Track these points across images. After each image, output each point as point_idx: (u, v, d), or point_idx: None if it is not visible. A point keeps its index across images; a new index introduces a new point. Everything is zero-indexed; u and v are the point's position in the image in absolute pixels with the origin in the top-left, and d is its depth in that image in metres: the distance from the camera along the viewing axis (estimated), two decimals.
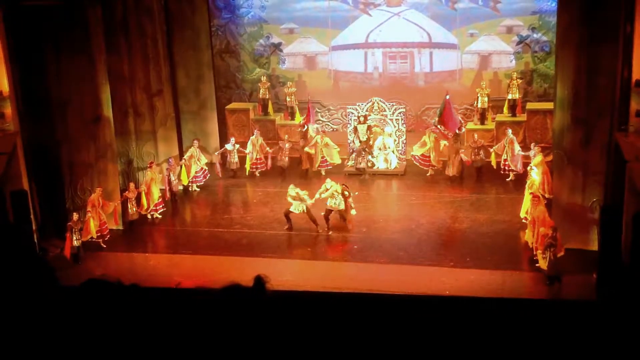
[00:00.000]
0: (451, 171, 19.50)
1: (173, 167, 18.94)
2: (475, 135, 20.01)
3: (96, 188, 16.27)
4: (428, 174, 20.02)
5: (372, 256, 15.52)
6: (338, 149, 20.55)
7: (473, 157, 19.74)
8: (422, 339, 4.60)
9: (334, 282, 13.96)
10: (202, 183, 20.00)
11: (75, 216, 15.58)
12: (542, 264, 13.97)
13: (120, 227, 17.14)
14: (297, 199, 16.48)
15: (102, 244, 16.19)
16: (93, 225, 15.81)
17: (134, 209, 17.14)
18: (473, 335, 4.73)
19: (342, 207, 16.60)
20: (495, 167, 19.51)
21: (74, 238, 15.44)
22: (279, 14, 23.38)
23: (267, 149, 20.70)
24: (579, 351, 4.56)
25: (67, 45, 15.89)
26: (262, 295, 3.17)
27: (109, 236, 16.34)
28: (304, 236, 16.56)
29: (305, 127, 21.25)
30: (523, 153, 18.96)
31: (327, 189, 16.60)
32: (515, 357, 4.53)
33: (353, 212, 16.98)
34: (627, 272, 11.66)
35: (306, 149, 20.54)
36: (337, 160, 20.58)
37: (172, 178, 18.83)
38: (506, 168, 19.32)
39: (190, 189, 19.80)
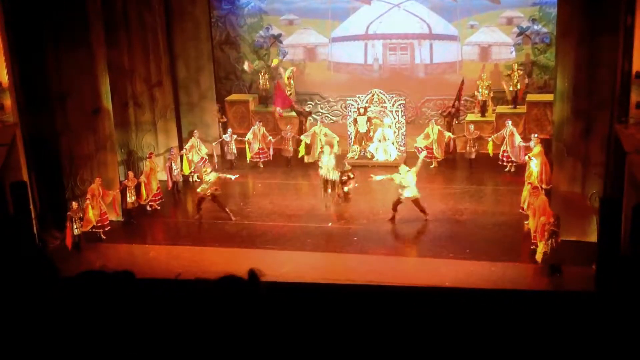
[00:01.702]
0: (440, 154, 19.94)
1: (175, 156, 18.96)
2: (471, 127, 20.00)
3: (95, 178, 16.28)
4: (432, 166, 20.02)
5: (372, 248, 15.54)
6: (337, 139, 20.51)
7: (468, 148, 19.79)
8: (422, 330, 4.61)
9: (333, 274, 13.99)
10: None
11: (74, 205, 15.60)
12: (540, 255, 13.99)
13: (121, 218, 17.16)
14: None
15: (102, 235, 16.21)
16: (92, 214, 15.81)
17: (133, 197, 17.14)
18: (472, 326, 4.74)
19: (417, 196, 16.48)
20: (491, 154, 19.52)
21: (74, 227, 15.46)
22: (279, 5, 23.33)
23: (270, 138, 20.73)
24: (578, 342, 4.57)
25: (66, 37, 15.87)
26: (257, 287, 3.17)
27: (109, 227, 16.36)
28: (304, 228, 16.57)
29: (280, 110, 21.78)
30: (524, 144, 18.94)
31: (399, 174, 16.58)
32: (515, 348, 4.55)
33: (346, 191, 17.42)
34: (626, 264, 11.68)
35: (302, 137, 20.58)
36: (336, 151, 20.54)
37: (174, 167, 18.85)
38: (505, 159, 19.33)
39: (190, 179, 19.80)
